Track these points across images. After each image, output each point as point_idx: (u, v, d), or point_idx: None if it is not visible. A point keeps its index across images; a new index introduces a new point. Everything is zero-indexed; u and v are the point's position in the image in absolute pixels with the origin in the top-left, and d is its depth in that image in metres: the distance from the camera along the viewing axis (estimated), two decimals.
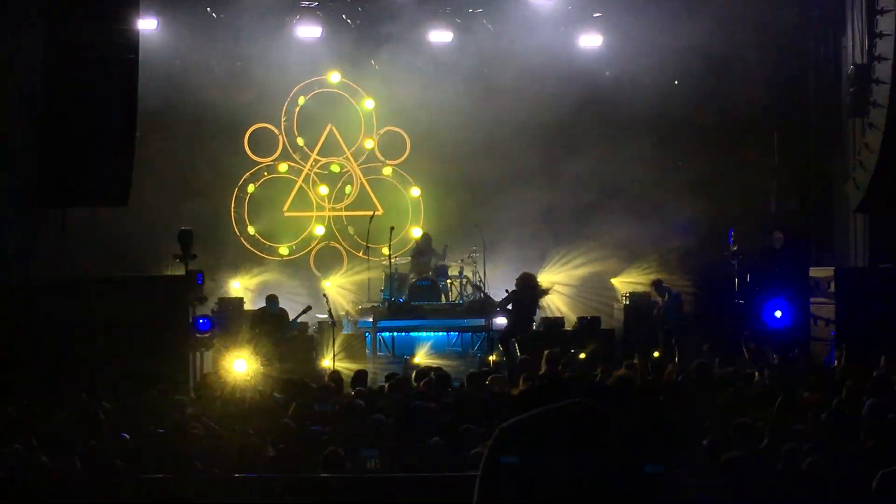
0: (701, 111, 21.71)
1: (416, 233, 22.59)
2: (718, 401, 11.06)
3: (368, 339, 19.45)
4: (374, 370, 17.60)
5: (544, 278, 19.98)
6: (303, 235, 23.31)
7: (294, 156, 23.36)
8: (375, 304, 20.64)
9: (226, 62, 21.42)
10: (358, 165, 23.53)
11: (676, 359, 16.65)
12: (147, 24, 20.01)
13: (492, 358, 18.23)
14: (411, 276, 20.90)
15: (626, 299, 20.41)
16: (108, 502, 7.53)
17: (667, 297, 19.43)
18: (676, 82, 21.58)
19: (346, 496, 8.05)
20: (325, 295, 19.29)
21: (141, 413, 10.91)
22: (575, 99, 21.74)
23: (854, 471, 8.14)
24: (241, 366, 15.89)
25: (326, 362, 16.42)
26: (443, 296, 20.80)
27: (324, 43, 22.10)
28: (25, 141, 16.74)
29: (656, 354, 17.25)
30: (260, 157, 23.15)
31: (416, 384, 12.78)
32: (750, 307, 18.72)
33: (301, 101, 23.05)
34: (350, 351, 18.09)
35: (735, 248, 19.19)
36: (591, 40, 22.04)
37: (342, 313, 20.71)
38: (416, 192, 23.39)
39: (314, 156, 23.39)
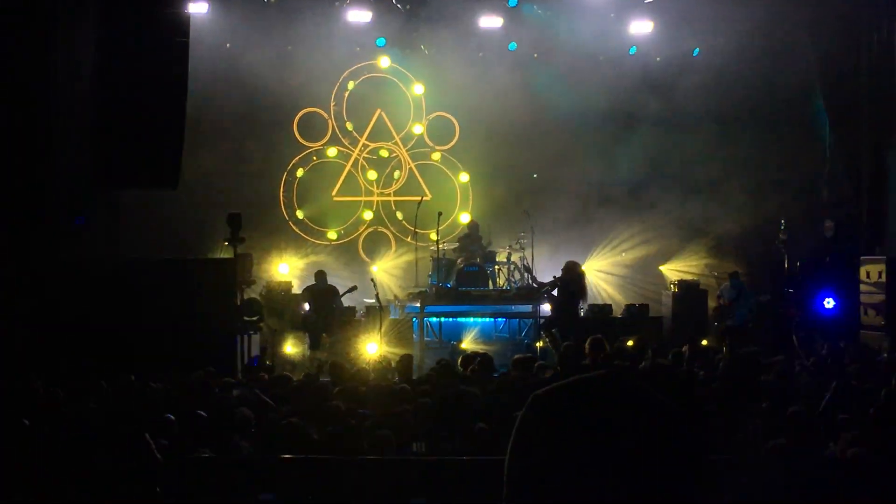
0: (752, 96, 21.53)
1: (465, 218, 22.57)
2: (765, 389, 11.01)
3: (416, 323, 19.45)
4: (420, 355, 17.67)
5: (589, 266, 19.88)
6: (351, 220, 23.38)
7: (343, 140, 23.41)
8: (423, 290, 20.65)
9: (276, 46, 21.41)
10: (407, 150, 23.56)
11: (725, 348, 16.49)
12: (198, 8, 20.19)
13: (539, 344, 18.25)
14: (459, 261, 20.89)
15: (674, 286, 20.32)
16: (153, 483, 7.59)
17: (740, 295, 18.86)
18: (727, 67, 21.34)
19: (391, 478, 8.10)
20: (372, 279, 19.33)
21: (189, 395, 10.98)
22: (626, 85, 21.69)
23: None
24: (372, 348, 16.21)
25: (374, 346, 16.47)
26: (490, 282, 20.75)
27: (373, 27, 22.14)
28: (81, 124, 16.94)
29: (704, 343, 17.13)
30: (309, 141, 23.23)
31: (461, 369, 12.84)
32: (800, 296, 18.54)
33: (350, 85, 23.08)
34: (397, 335, 18.12)
35: (785, 238, 18.99)
36: (641, 27, 21.93)
37: (390, 298, 20.74)
38: (464, 177, 23.39)
39: (363, 140, 23.45)
